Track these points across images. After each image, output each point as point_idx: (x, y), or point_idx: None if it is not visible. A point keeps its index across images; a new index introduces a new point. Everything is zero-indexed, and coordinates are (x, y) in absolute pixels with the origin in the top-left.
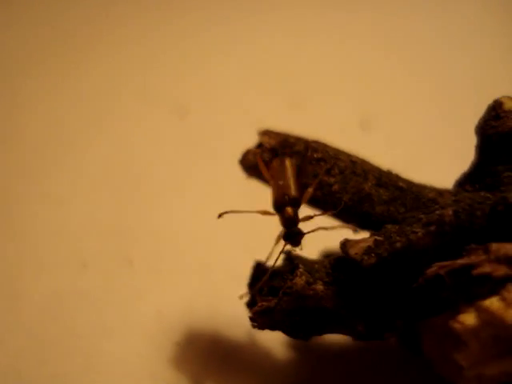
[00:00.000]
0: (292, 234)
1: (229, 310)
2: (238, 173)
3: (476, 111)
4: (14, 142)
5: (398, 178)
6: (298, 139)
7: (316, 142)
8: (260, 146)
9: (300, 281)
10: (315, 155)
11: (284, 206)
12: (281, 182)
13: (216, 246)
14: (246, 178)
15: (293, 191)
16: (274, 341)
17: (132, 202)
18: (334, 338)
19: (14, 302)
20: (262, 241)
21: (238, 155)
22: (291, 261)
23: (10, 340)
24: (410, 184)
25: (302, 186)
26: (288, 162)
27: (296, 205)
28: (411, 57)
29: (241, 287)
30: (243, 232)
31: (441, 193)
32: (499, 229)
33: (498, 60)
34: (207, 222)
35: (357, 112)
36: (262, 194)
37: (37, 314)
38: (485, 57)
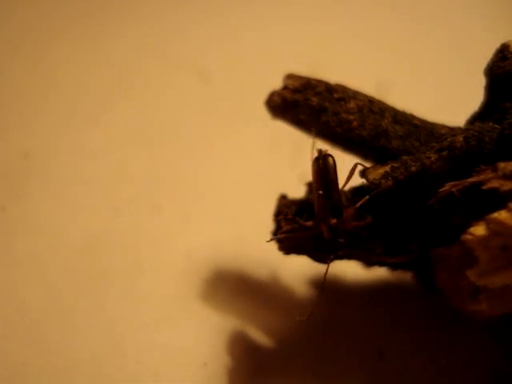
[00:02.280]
0: (333, 245)
1: (253, 252)
2: (261, 131)
3: None
4: (51, 100)
5: (412, 116)
6: (320, 81)
7: (337, 84)
8: (285, 87)
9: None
10: (335, 95)
11: (326, 219)
12: (321, 192)
13: (241, 196)
14: (271, 118)
15: (335, 200)
16: (295, 281)
17: (161, 156)
18: (353, 278)
19: (53, 242)
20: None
21: (260, 116)
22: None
23: (50, 275)
24: (424, 122)
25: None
26: (330, 162)
27: (338, 215)
28: (425, 20)
29: (264, 232)
30: (267, 184)
31: (453, 129)
32: (507, 152)
33: None
34: (233, 174)
35: (373, 76)
36: (284, 150)
37: (74, 253)
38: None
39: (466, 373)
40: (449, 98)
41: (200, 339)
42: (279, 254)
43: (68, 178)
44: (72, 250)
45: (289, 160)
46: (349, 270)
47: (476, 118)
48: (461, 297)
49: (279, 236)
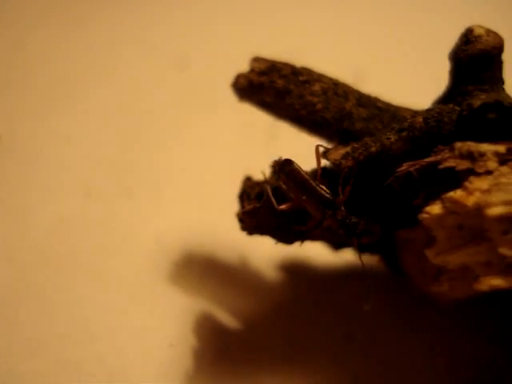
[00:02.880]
0: (352, 229)
1: (223, 236)
2: (235, 117)
3: None
4: (27, 85)
5: (376, 99)
6: (286, 64)
7: (302, 67)
8: (251, 70)
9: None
10: (300, 78)
11: (325, 216)
12: (304, 197)
13: (213, 180)
14: (238, 100)
15: (320, 196)
16: (264, 264)
17: (134, 140)
18: (321, 262)
19: (23, 224)
20: (255, 175)
21: (234, 102)
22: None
23: (20, 257)
24: (388, 105)
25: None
26: (292, 168)
27: (334, 206)
28: (402, 7)
29: (234, 217)
30: (237, 168)
31: (416, 112)
32: (465, 133)
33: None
34: (205, 159)
35: (351, 65)
36: (257, 136)
37: (44, 235)
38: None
39: (432, 355)
40: (425, 86)
41: (167, 320)
42: (249, 238)
43: (41, 161)
44: (42, 232)
45: (261, 145)
46: (318, 254)
47: (440, 102)
48: (425, 279)
49: (241, 215)
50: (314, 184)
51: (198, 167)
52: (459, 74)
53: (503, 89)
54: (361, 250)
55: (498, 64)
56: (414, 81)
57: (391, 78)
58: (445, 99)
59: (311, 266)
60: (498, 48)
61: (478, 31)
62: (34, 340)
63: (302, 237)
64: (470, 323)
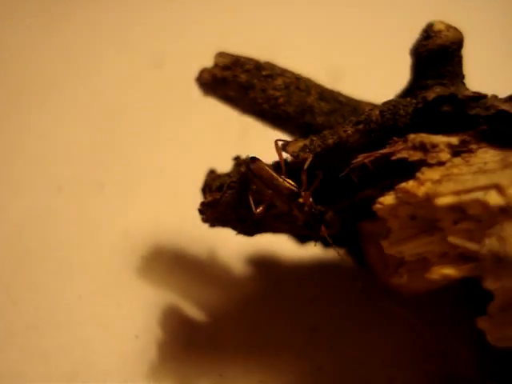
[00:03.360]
0: (319, 219)
1: (193, 230)
2: (209, 115)
3: None
4: (0, 81)
5: (339, 94)
6: (249, 59)
7: (265, 62)
8: (215, 65)
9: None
10: (263, 72)
11: (294, 206)
12: (271, 191)
13: (184, 176)
14: (202, 95)
15: (286, 189)
16: (232, 258)
17: (107, 137)
18: (288, 256)
19: None
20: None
21: (209, 100)
22: (237, 160)
23: None
24: (350, 99)
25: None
26: (257, 167)
27: (297, 197)
28: (377, 8)
29: None
30: (209, 164)
31: (375, 106)
32: (421, 125)
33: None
34: (178, 154)
35: (325, 64)
36: (230, 133)
37: (13, 229)
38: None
39: (396, 348)
40: (401, 84)
41: (133, 313)
42: (217, 233)
43: (14, 156)
44: (12, 226)
45: (234, 142)
46: (284, 248)
47: (401, 96)
48: (388, 272)
49: (201, 207)
50: (279, 178)
51: (169, 163)
52: (419, 69)
53: (463, 83)
54: (326, 243)
55: (458, 59)
56: (390, 79)
57: (367, 76)
58: (405, 93)
59: (278, 259)
60: (458, 43)
61: (438, 26)
62: (0, 331)
63: (262, 229)
64: (433, 316)
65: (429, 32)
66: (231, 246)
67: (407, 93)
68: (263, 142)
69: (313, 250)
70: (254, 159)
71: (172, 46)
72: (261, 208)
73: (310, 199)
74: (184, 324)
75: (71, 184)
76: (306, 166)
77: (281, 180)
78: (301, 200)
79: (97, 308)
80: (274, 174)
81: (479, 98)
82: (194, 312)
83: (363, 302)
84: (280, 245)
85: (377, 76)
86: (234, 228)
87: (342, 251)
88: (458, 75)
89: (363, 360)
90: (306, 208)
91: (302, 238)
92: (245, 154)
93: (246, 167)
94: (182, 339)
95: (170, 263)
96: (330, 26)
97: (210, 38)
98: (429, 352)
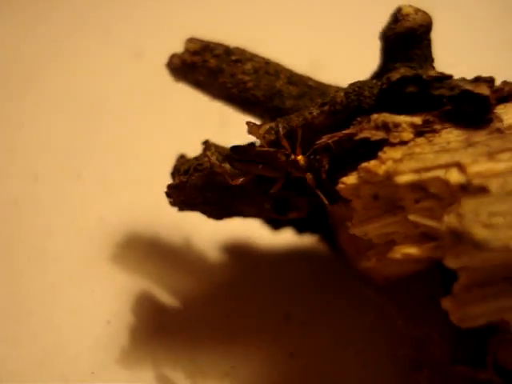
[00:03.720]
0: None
1: (167, 218)
2: (188, 105)
3: None
4: None
5: (308, 78)
6: (219, 44)
7: (235, 47)
8: (185, 50)
9: (210, 159)
10: (233, 57)
11: (291, 165)
12: (260, 166)
13: (162, 165)
14: (174, 80)
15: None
16: (207, 246)
17: (85, 126)
18: (261, 243)
19: None
20: None
21: (188, 91)
22: (205, 143)
23: None
24: (319, 83)
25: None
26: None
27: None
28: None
29: None
30: (187, 153)
31: (343, 88)
32: (386, 106)
33: None
34: (156, 144)
35: (307, 54)
36: (209, 123)
37: None
38: None
39: (370, 335)
40: None
41: (105, 299)
42: (193, 220)
43: None
44: None
45: (213, 131)
46: (259, 234)
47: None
48: (359, 257)
49: (167, 189)
50: (266, 148)
51: (146, 151)
52: (388, 52)
53: (433, 66)
54: (300, 229)
55: (427, 42)
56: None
57: (349, 66)
58: (375, 77)
59: (252, 246)
60: (426, 26)
61: (406, 10)
62: None
63: (230, 213)
64: (406, 300)
65: (397, 15)
66: (206, 233)
67: (377, 76)
68: (242, 131)
69: (287, 237)
70: (235, 148)
71: (152, 37)
72: (240, 180)
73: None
74: (156, 310)
75: (48, 173)
76: (282, 133)
77: (269, 149)
78: (293, 157)
79: (69, 294)
80: (260, 149)
81: (444, 78)
82: (167, 298)
83: (337, 288)
84: (254, 232)
85: (359, 66)
86: (202, 211)
87: (316, 237)
88: (426, 58)
89: (336, 346)
90: (302, 162)
91: (275, 224)
92: (224, 142)
93: (229, 160)
94: (154, 325)
95: (145, 250)
96: (312, 16)
97: (191, 29)
98: (402, 337)
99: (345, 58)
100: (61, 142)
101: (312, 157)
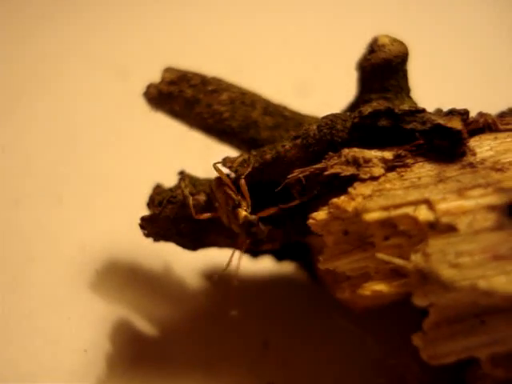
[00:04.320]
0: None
1: (147, 244)
2: (173, 128)
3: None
4: None
5: (284, 108)
6: (196, 74)
7: (212, 77)
8: (161, 80)
9: (183, 191)
10: (209, 87)
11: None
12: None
13: (142, 190)
14: (151, 110)
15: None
16: (187, 273)
17: (68, 151)
18: (243, 272)
19: None
20: None
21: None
22: (180, 175)
23: None
24: (295, 114)
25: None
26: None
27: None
28: (344, 23)
29: None
30: (169, 177)
31: (317, 121)
32: (359, 140)
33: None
34: (139, 168)
35: (293, 78)
36: (193, 147)
37: None
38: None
39: (346, 363)
40: None
41: (83, 327)
42: (172, 248)
43: None
44: None
45: (197, 156)
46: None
47: (347, 111)
48: (337, 286)
49: (141, 222)
50: (231, 190)
51: (129, 178)
52: (364, 83)
53: (409, 97)
54: (279, 257)
55: (403, 72)
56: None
57: (333, 91)
58: (351, 108)
59: (231, 274)
60: (402, 57)
61: (382, 40)
62: None
63: (205, 243)
64: (384, 330)
65: (373, 46)
66: (185, 260)
67: (353, 107)
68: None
69: (266, 265)
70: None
71: (137, 60)
72: (205, 215)
73: (243, 211)
74: (134, 339)
75: (29, 198)
76: (243, 176)
77: (230, 191)
78: (239, 211)
79: (46, 322)
80: (230, 187)
81: (416, 112)
82: (144, 327)
83: (315, 316)
84: (233, 259)
85: (345, 90)
86: (177, 243)
87: (295, 266)
88: (402, 89)
89: (314, 375)
90: (241, 217)
91: (254, 252)
92: (207, 170)
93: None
94: (131, 354)
95: (124, 277)
96: (298, 41)
97: (176, 52)
98: (379, 367)
99: (331, 82)
100: (43, 167)
101: (254, 221)
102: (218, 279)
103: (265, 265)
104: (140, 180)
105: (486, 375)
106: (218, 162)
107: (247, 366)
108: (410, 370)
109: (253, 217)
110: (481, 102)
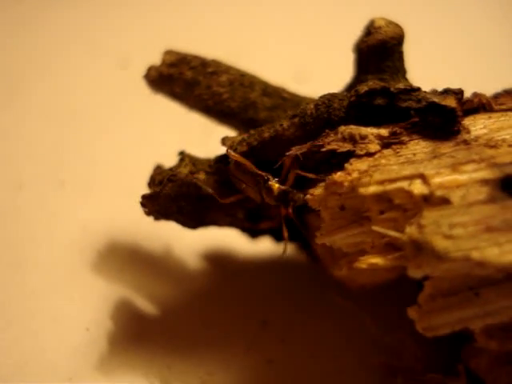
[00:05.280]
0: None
1: (148, 226)
2: (173, 114)
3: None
4: None
5: (283, 90)
6: (195, 57)
7: (212, 60)
8: (162, 62)
9: (184, 170)
10: (208, 69)
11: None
12: (244, 185)
13: (143, 173)
14: (152, 92)
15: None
16: (187, 254)
17: (70, 135)
18: (239, 251)
19: None
20: None
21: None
22: (180, 155)
23: None
24: (293, 95)
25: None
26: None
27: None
28: (343, 9)
29: None
30: (170, 162)
31: (314, 100)
32: (355, 118)
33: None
34: (140, 153)
35: (291, 65)
36: (193, 132)
37: None
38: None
39: (344, 341)
40: None
41: (85, 306)
42: (173, 229)
43: None
44: None
45: (197, 141)
46: (237, 243)
47: (344, 91)
48: (334, 265)
49: (141, 200)
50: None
51: (130, 161)
52: (360, 64)
53: (405, 78)
54: (278, 238)
55: (399, 54)
56: None
57: (332, 78)
58: (348, 89)
59: (231, 254)
60: (397, 38)
61: (378, 23)
62: None
63: (205, 222)
64: (381, 308)
65: (369, 28)
66: (186, 241)
67: (350, 88)
68: None
69: (265, 245)
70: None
71: (138, 48)
72: (231, 198)
73: (275, 184)
74: (135, 317)
75: (32, 182)
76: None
77: (253, 169)
78: (271, 184)
79: (49, 302)
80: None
81: (411, 90)
82: (145, 306)
83: (314, 295)
84: (233, 240)
85: (343, 77)
86: (177, 221)
87: (294, 246)
88: (398, 70)
89: (313, 353)
90: (275, 190)
91: (253, 233)
92: (207, 153)
93: (223, 162)
94: (133, 332)
95: (125, 258)
96: (297, 27)
97: (176, 39)
98: (377, 344)
99: (329, 68)
100: (45, 151)
101: (289, 190)
102: (219, 260)
103: (264, 245)
104: (141, 162)
105: (481, 351)
106: (225, 137)
107: (246, 345)
108: (407, 348)
109: (285, 186)
110: (476, 85)
